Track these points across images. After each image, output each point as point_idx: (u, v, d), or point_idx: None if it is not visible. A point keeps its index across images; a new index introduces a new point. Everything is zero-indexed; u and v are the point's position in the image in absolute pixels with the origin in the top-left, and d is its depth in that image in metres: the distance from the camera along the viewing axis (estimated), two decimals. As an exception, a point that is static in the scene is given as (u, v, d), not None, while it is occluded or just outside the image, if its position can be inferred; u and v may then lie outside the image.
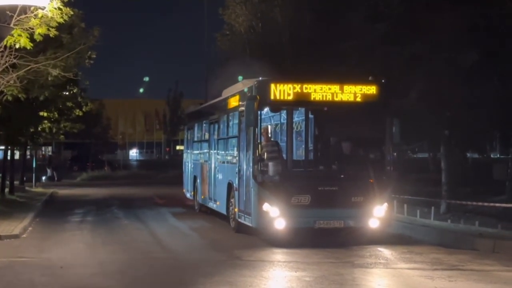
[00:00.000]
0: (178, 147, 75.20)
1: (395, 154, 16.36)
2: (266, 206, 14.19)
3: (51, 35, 17.66)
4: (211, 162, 20.15)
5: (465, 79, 20.69)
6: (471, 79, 20.73)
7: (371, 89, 14.80)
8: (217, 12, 36.26)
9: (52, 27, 17.39)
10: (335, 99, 14.62)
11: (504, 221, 16.52)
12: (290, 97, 14.46)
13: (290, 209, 14.20)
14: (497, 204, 17.74)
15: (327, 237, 14.82)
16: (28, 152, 39.55)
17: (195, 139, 23.89)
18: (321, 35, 27.64)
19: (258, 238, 15.23)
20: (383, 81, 15.28)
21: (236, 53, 34.39)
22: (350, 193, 14.55)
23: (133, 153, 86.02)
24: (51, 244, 15.55)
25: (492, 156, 33.56)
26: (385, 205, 14.83)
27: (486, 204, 17.79)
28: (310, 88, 14.51)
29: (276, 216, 14.15)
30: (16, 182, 33.25)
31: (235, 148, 16.67)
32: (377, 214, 14.62)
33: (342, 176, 14.95)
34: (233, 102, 16.91)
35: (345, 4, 29.34)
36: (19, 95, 19.68)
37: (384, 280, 11.41)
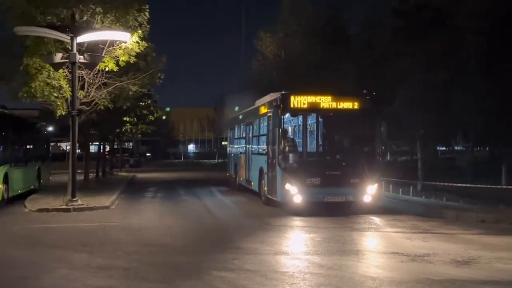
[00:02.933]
0: (223, 143, 75.44)
1: (383, 147, 16.24)
2: (287, 186, 14.39)
3: (131, 61, 17.92)
4: (247, 154, 20.26)
5: (435, 92, 20.55)
6: (440, 92, 20.58)
7: (365, 100, 14.87)
8: (253, 43, 36.49)
9: (132, 56, 17.63)
10: (338, 107, 14.64)
11: (465, 197, 16.52)
12: (305, 106, 14.61)
13: (305, 188, 14.34)
14: (459, 184, 17.64)
15: (333, 209, 14.79)
16: (115, 146, 39.97)
17: (236, 137, 23.94)
18: (327, 60, 27.66)
19: (281, 209, 15.19)
20: (374, 93, 15.31)
21: (266, 73, 34.45)
22: (349, 176, 14.62)
23: (191, 147, 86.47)
24: (131, 213, 15.74)
25: (456, 148, 33.00)
26: (376, 185, 14.95)
27: (451, 184, 17.71)
28: (319, 99, 14.63)
29: (295, 193, 14.34)
30: (106, 169, 33.80)
31: (265, 143, 16.75)
32: (370, 191, 14.72)
33: (343, 163, 15.01)
34: (263, 109, 16.95)
35: (345, 37, 29.39)
36: (109, 105, 19.94)
37: (375, 240, 11.42)
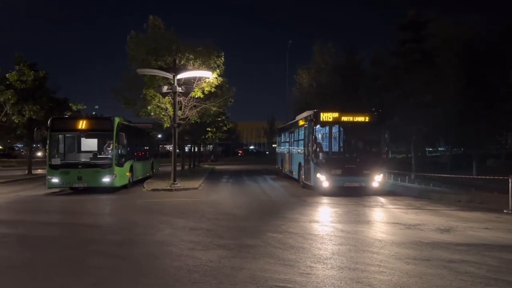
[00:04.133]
0: (273, 145, 75.39)
1: (386, 148, 15.80)
2: (318, 175, 14.23)
3: (212, 91, 18.17)
4: (290, 152, 19.94)
5: (423, 110, 20.11)
6: (426, 110, 20.13)
7: (374, 115, 14.51)
8: (293, 77, 36.31)
9: (213, 87, 17.88)
10: (354, 120, 14.37)
11: (446, 184, 16.01)
12: (330, 120, 14.38)
13: (331, 176, 14.11)
14: (442, 175, 17.02)
15: (350, 191, 14.50)
16: (201, 147, 40.58)
17: (282, 141, 23.59)
18: (346, 88, 27.24)
19: (314, 191, 14.95)
20: (380, 110, 14.96)
21: (302, 97, 34.21)
22: (362, 168, 14.22)
23: (252, 148, 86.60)
24: (212, 192, 15.86)
25: (439, 149, 31.89)
26: (381, 175, 14.58)
27: (436, 174, 17.06)
28: (340, 115, 14.36)
29: (324, 180, 14.14)
30: (195, 162, 34.22)
31: (302, 145, 16.55)
32: (377, 179, 14.31)
33: (358, 160, 14.58)
34: (301, 122, 16.76)
35: (358, 71, 28.88)
36: (197, 120, 20.29)
37: (380, 213, 11.02)
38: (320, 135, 16.86)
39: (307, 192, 15.25)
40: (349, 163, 14.45)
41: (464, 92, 20.57)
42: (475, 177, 17.45)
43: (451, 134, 23.98)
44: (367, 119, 14.43)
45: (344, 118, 14.43)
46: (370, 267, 5.71)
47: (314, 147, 14.55)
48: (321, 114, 14.41)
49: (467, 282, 5.12)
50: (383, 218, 10.32)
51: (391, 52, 23.98)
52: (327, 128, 15.60)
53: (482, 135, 21.42)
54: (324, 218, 10.25)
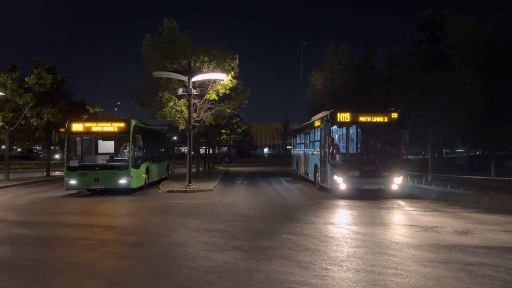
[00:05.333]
0: (287, 147, 75.20)
1: (405, 149, 15.04)
2: (335, 177, 13.91)
3: (226, 93, 18.22)
4: (306, 154, 19.58)
5: (439, 110, 19.84)
6: (443, 111, 19.86)
7: (393, 115, 14.02)
8: (307, 78, 36.19)
9: (227, 89, 17.93)
10: (373, 120, 14.02)
11: (463, 185, 15.69)
12: (348, 120, 14.07)
13: (348, 178, 13.77)
14: (459, 176, 16.69)
15: (368, 194, 14.26)
16: (216, 150, 40.71)
17: (297, 142, 23.24)
18: (360, 88, 27.06)
19: (330, 194, 14.83)
20: (399, 110, 14.37)
21: (316, 98, 34.08)
22: (381, 170, 13.79)
23: (266, 150, 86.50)
24: (227, 194, 15.86)
25: (456, 150, 31.40)
26: (401, 177, 14.02)
27: (453, 175, 16.75)
28: (358, 115, 14.07)
29: (341, 182, 13.82)
30: (210, 164, 34.37)
31: (318, 147, 16.16)
32: (397, 182, 13.86)
33: (376, 161, 14.09)
34: (317, 123, 16.47)
35: (373, 72, 28.65)
36: (212, 122, 20.39)
37: (397, 215, 10.83)
38: (336, 136, 16.55)
39: (323, 194, 14.99)
40: (367, 165, 14.00)
41: (482, 93, 20.21)
42: (494, 178, 17.05)
43: (469, 135, 23.58)
44: (386, 119, 13.99)
45: (362, 118, 14.00)
46: (386, 270, 5.66)
47: (331, 149, 14.15)
48: (338, 114, 14.02)
49: (486, 285, 5.04)
50: (400, 220, 10.17)
51: (408, 53, 23.70)
52: (344, 128, 15.13)
53: (500, 136, 20.98)
54: (340, 220, 10.17)
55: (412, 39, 23.21)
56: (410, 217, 10.36)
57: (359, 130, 14.98)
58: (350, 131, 15.15)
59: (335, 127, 14.59)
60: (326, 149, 14.50)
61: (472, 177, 16.84)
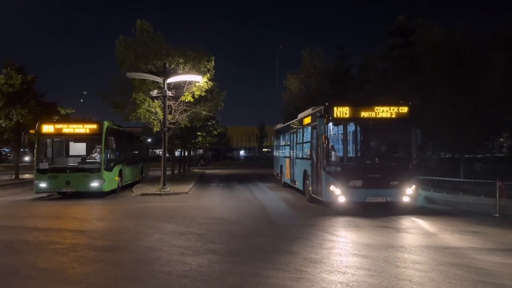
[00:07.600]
0: (263, 149, 75.47)
1: (416, 153, 12.12)
2: (332, 187, 11.37)
3: (202, 95, 18.13)
4: (292, 158, 17.03)
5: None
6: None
7: (402, 109, 11.53)
8: (283, 81, 36.41)
9: (203, 91, 17.84)
10: (378, 116, 11.47)
11: (434, 188, 15.36)
12: (347, 115, 11.39)
13: (348, 189, 11.31)
14: (429, 177, 16.76)
15: (374, 209, 11.50)
16: (191, 152, 40.40)
17: (281, 144, 20.83)
18: (334, 92, 27.44)
19: (326, 208, 11.80)
20: (410, 103, 11.76)
21: (292, 101, 34.37)
22: (389, 178, 11.39)
23: (242, 152, 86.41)
24: (202, 196, 15.76)
25: (465, 156, 31.91)
26: (414, 187, 11.55)
27: (425, 177, 16.54)
28: (360, 109, 11.52)
29: (339, 194, 11.32)
30: (186, 167, 34.03)
31: (308, 149, 13.66)
32: (408, 193, 11.42)
33: (383, 167, 11.68)
34: (306, 120, 14.20)
35: (347, 76, 29.10)
36: (187, 124, 20.25)
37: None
38: (331, 135, 13.28)
39: (317, 208, 12.02)
40: (372, 172, 11.51)
41: (452, 97, 20.83)
42: (463, 180, 17.48)
43: (441, 138, 24.20)
44: (394, 114, 11.49)
45: (364, 114, 11.46)
46: None
47: (326, 151, 11.58)
48: (335, 109, 11.39)
49: None
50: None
51: (381, 57, 24.23)
52: (341, 127, 12.18)
53: (470, 140, 21.62)
54: (320, 223, 9.85)
55: (385, 44, 23.80)
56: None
57: (360, 128, 12.65)
58: (349, 130, 12.82)
59: (330, 124, 11.89)
60: (320, 153, 11.92)
61: (444, 179, 17.12)
